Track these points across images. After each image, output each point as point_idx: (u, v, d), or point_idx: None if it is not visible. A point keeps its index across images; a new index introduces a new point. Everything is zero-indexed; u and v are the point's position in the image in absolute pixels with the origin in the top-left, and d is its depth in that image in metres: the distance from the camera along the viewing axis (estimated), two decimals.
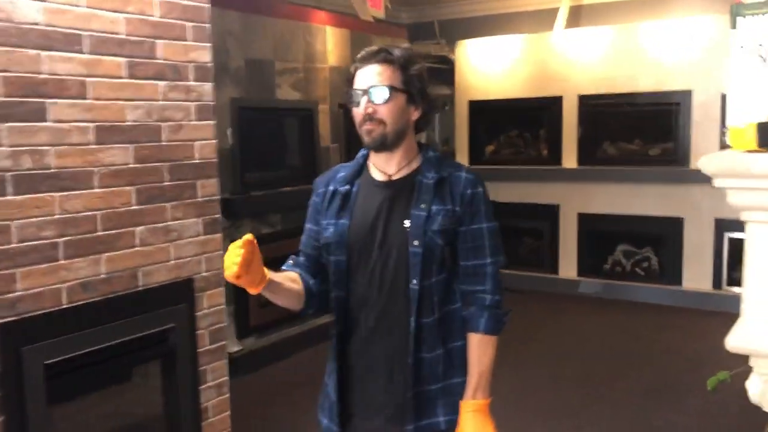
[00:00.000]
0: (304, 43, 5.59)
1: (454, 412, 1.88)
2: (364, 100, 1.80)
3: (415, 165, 1.90)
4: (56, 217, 2.47)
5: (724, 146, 1.63)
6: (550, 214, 7.03)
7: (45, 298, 2.45)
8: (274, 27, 5.37)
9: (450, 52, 7.45)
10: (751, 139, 1.54)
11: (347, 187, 1.91)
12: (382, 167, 1.90)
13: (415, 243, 1.81)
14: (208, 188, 3.02)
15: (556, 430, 3.95)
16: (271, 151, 5.47)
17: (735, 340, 1.64)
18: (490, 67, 7.22)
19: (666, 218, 6.40)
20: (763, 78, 1.71)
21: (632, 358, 5.10)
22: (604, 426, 3.99)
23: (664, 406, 4.22)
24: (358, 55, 1.87)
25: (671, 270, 6.52)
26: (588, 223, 6.88)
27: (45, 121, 2.43)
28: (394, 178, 1.89)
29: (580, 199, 6.88)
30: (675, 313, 6.17)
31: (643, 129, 6.65)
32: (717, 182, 1.58)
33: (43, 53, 2.42)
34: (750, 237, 1.61)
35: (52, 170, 2.46)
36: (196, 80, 2.94)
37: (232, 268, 1.65)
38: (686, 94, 6.19)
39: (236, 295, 5.00)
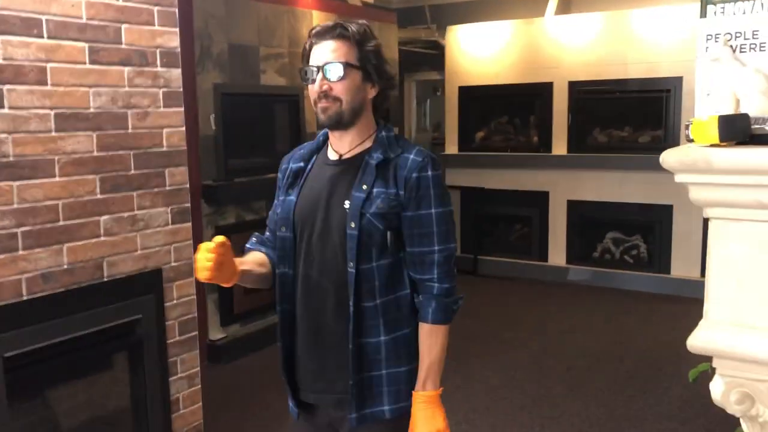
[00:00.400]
0: (289, 28, 5.49)
1: (399, 400, 1.83)
2: (319, 77, 1.74)
3: (368, 144, 1.83)
4: (14, 206, 2.40)
5: (688, 140, 1.55)
6: (539, 201, 6.96)
7: (3, 289, 2.39)
8: (258, 11, 5.26)
9: (440, 38, 7.34)
10: (714, 133, 1.46)
11: (301, 164, 1.89)
12: (336, 146, 1.85)
13: (352, 225, 1.75)
14: (177, 177, 2.95)
15: (538, 419, 3.90)
16: (255, 138, 5.38)
17: (697, 341, 1.57)
18: (480, 53, 7.11)
19: (655, 206, 6.32)
20: (731, 70, 1.63)
21: (617, 347, 5.05)
22: (585, 415, 3.94)
23: (647, 395, 4.17)
24: (313, 30, 1.79)
25: (660, 258, 6.45)
26: (578, 210, 6.81)
27: (2, 107, 2.36)
28: (345, 157, 1.83)
29: (570, 186, 6.80)
30: (663, 301, 6.11)
31: (634, 116, 6.56)
32: (678, 177, 1.51)
33: (0, 37, 2.34)
34: (713, 234, 1.54)
35: (10, 159, 2.39)
36: (163, 66, 2.86)
37: (204, 272, 1.66)
38: (677, 81, 6.09)
39: None
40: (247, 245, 1.97)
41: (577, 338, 5.26)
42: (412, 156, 1.79)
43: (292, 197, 1.86)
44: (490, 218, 7.30)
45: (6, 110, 2.37)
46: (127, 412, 2.86)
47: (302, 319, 1.85)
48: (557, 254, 6.95)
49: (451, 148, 7.38)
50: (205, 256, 1.65)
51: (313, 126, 5.71)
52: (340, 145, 1.83)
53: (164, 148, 2.89)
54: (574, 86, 6.64)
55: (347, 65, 1.73)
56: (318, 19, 5.74)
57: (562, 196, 6.85)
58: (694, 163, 1.47)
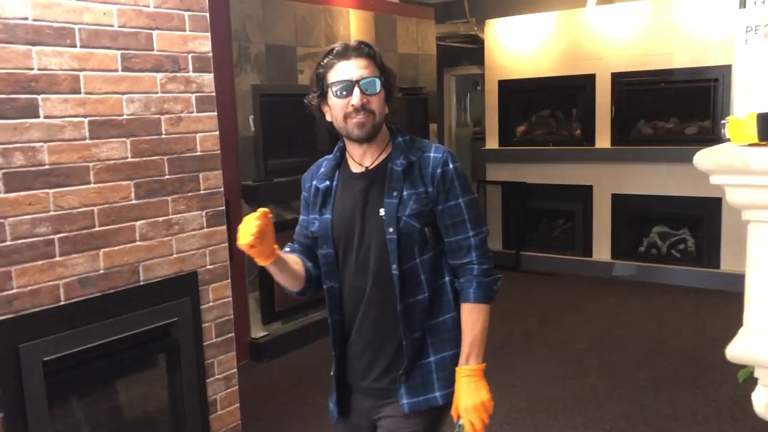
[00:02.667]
0: (326, 27, 5.47)
1: (449, 385, 1.90)
2: (356, 91, 1.78)
3: (387, 151, 1.90)
4: (51, 213, 2.43)
5: (724, 139, 1.46)
6: (583, 195, 6.82)
7: (42, 295, 2.42)
8: (295, 11, 5.26)
9: (479, 32, 7.24)
10: (752, 131, 1.38)
11: (326, 183, 1.93)
12: (360, 159, 1.90)
13: (390, 230, 1.83)
14: (212, 180, 2.95)
15: (581, 419, 3.81)
16: (294, 138, 5.38)
17: (737, 350, 1.48)
18: (520, 46, 6.99)
19: (703, 199, 6.11)
20: None
21: (664, 345, 4.91)
22: (629, 415, 3.83)
23: (695, 395, 4.04)
24: (334, 49, 1.83)
25: (709, 252, 6.25)
26: (622, 204, 6.64)
27: (37, 117, 2.39)
28: (370, 168, 1.90)
29: (614, 179, 6.64)
30: (712, 296, 5.92)
31: (680, 107, 6.36)
32: (714, 179, 1.43)
33: (34, 48, 2.37)
34: (752, 237, 1.45)
35: (46, 167, 2.42)
36: (195, 71, 2.86)
37: (247, 237, 1.68)
38: (725, 70, 5.87)
39: (261, 281, 4.97)
40: (284, 249, 1.99)
41: (622, 335, 5.13)
42: (432, 154, 1.88)
43: (327, 215, 1.90)
44: (532, 213, 7.18)
45: (41, 119, 2.40)
46: (165, 414, 2.89)
47: (352, 325, 1.94)
48: (602, 249, 6.80)
49: (492, 143, 7.28)
50: (250, 223, 1.69)
51: None
52: (365, 158, 1.90)
53: (198, 153, 2.89)
54: (617, 77, 6.48)
55: (381, 81, 1.82)
56: (355, 17, 5.71)
57: (606, 190, 6.70)
58: (731, 164, 1.39)
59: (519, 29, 6.98)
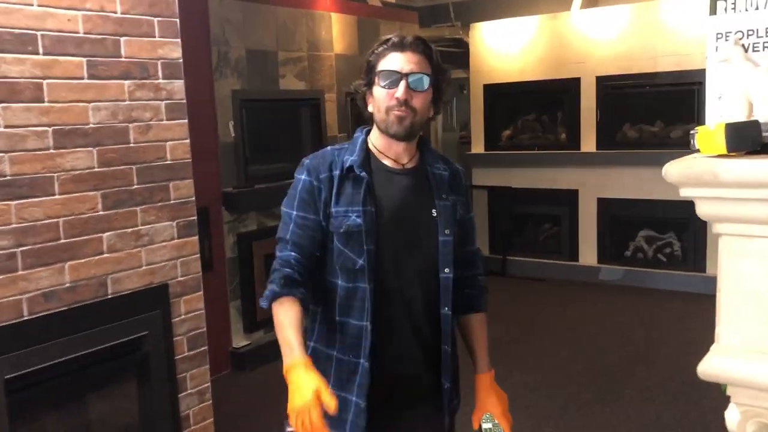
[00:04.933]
0: (308, 31, 5.41)
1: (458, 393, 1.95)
2: (402, 83, 1.70)
3: (418, 155, 1.84)
4: (13, 226, 2.36)
5: (693, 150, 1.42)
6: (569, 199, 6.77)
7: (3, 310, 2.35)
8: (276, 15, 5.19)
9: (464, 35, 7.19)
10: (721, 142, 1.33)
11: (364, 173, 1.75)
12: (396, 156, 1.80)
13: (446, 232, 1.79)
14: (183, 190, 2.89)
15: (566, 426, 3.76)
16: (276, 143, 5.32)
17: (709, 368, 1.44)
18: (505, 50, 6.95)
19: (690, 203, 6.04)
20: (743, 71, 1.49)
21: (651, 349, 4.86)
22: (615, 423, 3.78)
23: (681, 402, 3.99)
24: (392, 38, 1.75)
25: (695, 256, 6.22)
26: (608, 208, 6.60)
27: None
28: (408, 166, 1.82)
29: (600, 183, 6.61)
30: (698, 300, 5.87)
31: (665, 110, 6.33)
32: (683, 192, 1.38)
33: None
34: (723, 251, 1.41)
35: (7, 177, 2.35)
36: (165, 78, 2.80)
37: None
38: None
39: (242, 289, 4.90)
40: (277, 289, 1.68)
41: (609, 340, 5.09)
42: (458, 167, 1.92)
43: (371, 208, 1.73)
44: (518, 218, 7.13)
45: (1, 129, 2.33)
46: (136, 430, 2.81)
47: (385, 334, 1.76)
48: (588, 253, 6.76)
49: (478, 147, 7.23)
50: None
51: (335, 130, 5.63)
52: (402, 156, 1.81)
53: (168, 161, 2.83)
54: (602, 81, 6.44)
55: (431, 80, 1.74)
56: (337, 21, 5.65)
57: (592, 193, 6.66)
58: (699, 176, 1.34)
59: (504, 33, 6.93)
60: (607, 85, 6.43)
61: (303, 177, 1.76)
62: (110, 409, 2.80)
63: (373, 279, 1.72)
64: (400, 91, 1.69)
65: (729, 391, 1.45)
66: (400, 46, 1.72)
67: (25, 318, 2.40)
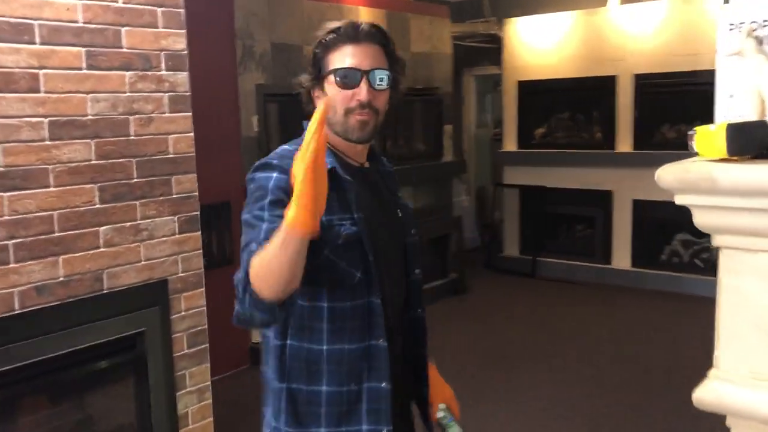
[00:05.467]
0: None
1: None
2: (363, 83, 1.50)
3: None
4: (5, 218, 2.31)
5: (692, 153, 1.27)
6: (603, 200, 6.56)
7: None
8: (302, 8, 5.11)
9: (499, 31, 7.01)
10: (721, 145, 1.18)
11: (347, 176, 1.54)
12: (355, 154, 1.61)
13: (413, 232, 1.70)
14: (185, 184, 2.81)
15: None
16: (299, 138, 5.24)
17: (706, 396, 1.29)
18: (540, 46, 6.75)
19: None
20: (756, 66, 1.33)
21: (685, 359, 4.64)
22: None
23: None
24: (341, 28, 1.52)
25: None
26: (643, 210, 6.36)
27: None
28: (365, 165, 1.65)
29: (636, 185, 6.36)
30: None
31: (705, 110, 6.00)
32: (679, 199, 1.24)
33: None
34: (723, 266, 1.26)
35: (0, 169, 2.29)
36: (168, 69, 2.72)
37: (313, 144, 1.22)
38: None
39: None
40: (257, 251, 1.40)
41: (642, 350, 4.88)
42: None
43: (361, 214, 1.52)
44: (550, 218, 6.94)
45: None
46: (132, 428, 2.75)
47: (393, 350, 1.59)
48: (621, 257, 6.54)
49: (510, 145, 7.05)
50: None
51: None
52: (361, 154, 1.63)
53: (170, 155, 2.75)
54: (640, 79, 6.22)
55: (391, 76, 1.54)
56: (366, 15, 5.54)
57: (627, 195, 6.43)
58: (696, 182, 1.20)
59: (539, 28, 6.74)
60: (646, 84, 6.20)
61: (275, 174, 1.46)
62: (107, 406, 2.74)
63: (378, 292, 1.53)
64: (363, 93, 1.49)
65: (729, 422, 1.30)
66: (354, 37, 1.51)
67: (17, 311, 2.35)
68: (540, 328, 5.38)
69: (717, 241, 1.25)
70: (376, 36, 1.53)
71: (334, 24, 1.54)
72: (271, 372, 1.57)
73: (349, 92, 1.50)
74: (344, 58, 1.51)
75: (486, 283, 6.70)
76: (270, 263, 1.28)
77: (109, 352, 2.62)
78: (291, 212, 1.23)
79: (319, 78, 1.54)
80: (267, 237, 1.35)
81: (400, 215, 1.67)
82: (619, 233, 6.54)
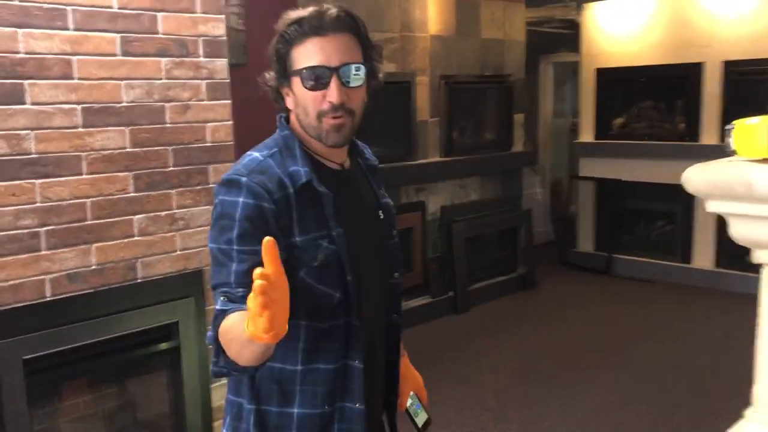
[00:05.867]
0: (401, 11, 5.15)
1: None
2: (333, 83, 1.35)
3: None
4: (37, 205, 2.30)
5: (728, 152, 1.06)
6: (685, 196, 6.01)
7: (25, 289, 2.29)
8: None
9: (577, 16, 6.68)
10: (764, 142, 0.98)
11: (323, 187, 1.41)
12: (332, 157, 1.47)
13: (393, 234, 1.58)
14: (223, 174, 2.73)
15: None
16: (362, 128, 5.12)
17: None
18: (621, 32, 6.39)
19: None
20: None
21: None
22: None
23: None
24: (304, 19, 1.36)
25: None
26: None
27: (23, 103, 2.25)
28: (345, 165, 1.51)
29: None
30: None
31: None
32: (710, 206, 1.04)
33: (20, 30, 2.23)
34: (765, 286, 1.05)
35: (33, 155, 2.28)
36: (206, 56, 2.65)
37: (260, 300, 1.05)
38: None
39: None
40: (224, 308, 1.28)
41: (718, 355, 4.54)
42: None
43: (341, 230, 1.40)
44: (628, 213, 6.58)
45: (28, 105, 2.26)
46: (165, 419, 2.72)
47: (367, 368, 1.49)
48: (704, 256, 6.12)
49: (587, 135, 6.72)
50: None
51: (425, 114, 5.36)
52: (339, 155, 1.49)
53: (208, 143, 2.69)
54: (729, 66, 5.77)
55: (366, 70, 1.40)
56: (434, 1, 5.35)
57: None
58: (730, 187, 1.00)
59: (620, 13, 6.37)
60: (736, 71, 5.75)
61: (242, 200, 1.32)
62: (142, 395, 2.72)
63: (355, 313, 1.42)
64: (334, 94, 1.35)
65: None
66: (320, 28, 1.35)
67: (48, 299, 2.34)
68: (611, 328, 5.10)
69: (758, 256, 1.04)
70: (344, 24, 1.37)
71: (296, 13, 1.38)
72: (238, 391, 1.46)
73: (319, 93, 1.36)
74: (310, 54, 1.36)
75: (558, 280, 6.44)
76: (239, 349, 1.21)
77: (142, 342, 2.59)
78: (249, 328, 1.09)
79: (284, 76, 1.41)
80: (237, 282, 1.29)
81: (381, 217, 1.54)
82: (701, 231, 6.12)
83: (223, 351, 1.24)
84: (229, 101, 2.74)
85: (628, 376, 4.24)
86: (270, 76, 1.44)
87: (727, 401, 3.87)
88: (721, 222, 5.93)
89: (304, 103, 1.38)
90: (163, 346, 2.63)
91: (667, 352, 4.62)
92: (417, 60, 5.27)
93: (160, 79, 2.54)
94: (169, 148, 2.59)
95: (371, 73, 1.43)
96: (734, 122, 1.05)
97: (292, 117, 1.45)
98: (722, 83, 5.84)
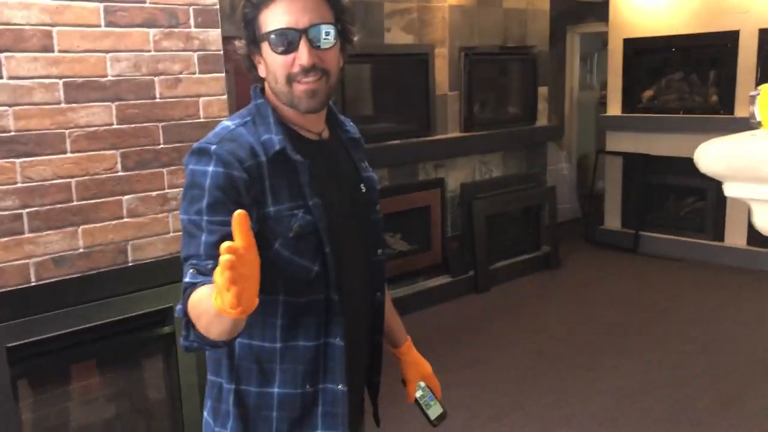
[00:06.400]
0: None
1: None
2: (303, 44, 1.29)
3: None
4: (18, 185, 2.18)
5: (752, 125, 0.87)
6: None
7: (8, 274, 2.18)
8: None
9: None
10: None
11: (299, 156, 1.34)
12: (309, 125, 1.40)
13: (377, 208, 1.50)
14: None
15: None
16: (377, 103, 4.95)
17: None
18: (650, 0, 6.07)
19: None
20: None
21: None
22: None
23: None
24: None
25: None
26: None
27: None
28: (323, 135, 1.44)
29: None
30: None
31: None
32: (728, 189, 0.86)
33: None
34: None
35: (11, 133, 2.15)
36: (198, 26, 2.49)
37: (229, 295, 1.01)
38: None
39: None
40: (194, 280, 1.22)
41: (746, 341, 4.31)
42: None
43: (317, 200, 1.33)
44: (656, 189, 6.31)
45: (5, 80, 2.13)
46: (161, 406, 2.61)
47: (351, 347, 1.41)
48: (736, 234, 5.85)
49: (614, 108, 6.44)
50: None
51: (445, 87, 5.15)
52: (316, 124, 1.42)
53: (201, 119, 2.54)
54: (766, 34, 5.44)
55: (337, 28, 1.34)
56: None
57: None
58: (754, 167, 0.81)
59: None
60: None
61: (211, 168, 1.27)
62: (134, 382, 2.61)
63: (335, 288, 1.36)
64: (303, 56, 1.29)
65: None
66: None
67: (33, 284, 2.22)
68: (637, 309, 4.88)
69: None
70: None
71: None
72: (217, 371, 1.42)
73: (289, 57, 1.30)
74: (277, 16, 1.30)
75: (583, 258, 6.21)
76: (208, 324, 1.14)
77: (135, 328, 2.47)
78: (217, 302, 1.03)
79: (253, 42, 1.34)
80: (207, 254, 1.23)
81: (363, 190, 1.46)
82: (734, 208, 5.83)
83: (193, 325, 1.19)
84: (223, 74, 2.58)
85: (652, 360, 4.04)
86: (240, 44, 1.38)
87: (756, 385, 3.66)
88: None
89: (274, 68, 1.33)
90: (157, 332, 2.50)
91: (695, 335, 4.40)
92: (435, 31, 5.05)
93: (149, 51, 2.39)
94: (159, 124, 2.44)
95: (344, 35, 1.37)
96: (760, 87, 0.86)
97: (266, 86, 1.39)
98: (758, 53, 5.52)
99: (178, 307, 1.23)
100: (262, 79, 1.38)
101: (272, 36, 1.30)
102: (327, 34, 1.31)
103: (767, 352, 4.09)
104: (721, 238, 5.93)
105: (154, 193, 2.45)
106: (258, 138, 1.33)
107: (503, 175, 5.71)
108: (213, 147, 1.29)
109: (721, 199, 5.89)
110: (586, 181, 7.36)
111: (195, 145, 1.34)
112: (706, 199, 6.03)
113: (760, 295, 5.11)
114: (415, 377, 1.65)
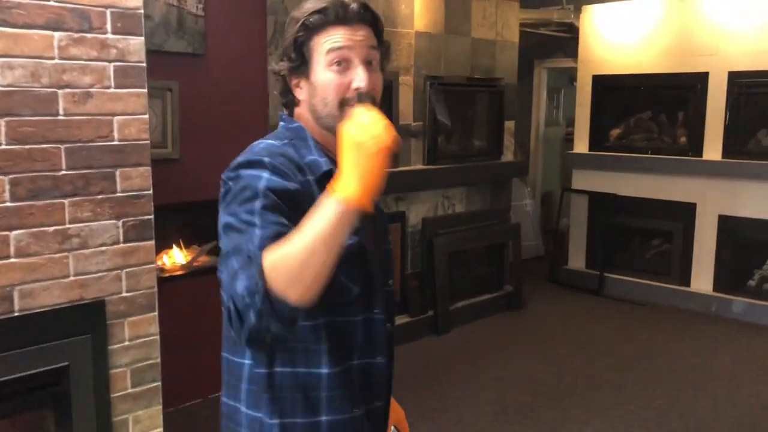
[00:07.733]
0: (384, 4, 4.54)
1: None
2: (361, 70, 1.27)
3: None
4: None
5: None
6: (684, 214, 5.56)
7: None
8: None
9: (576, 19, 6.09)
10: None
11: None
12: (334, 148, 1.28)
13: (389, 239, 1.50)
14: (135, 180, 2.13)
15: None
16: None
17: None
18: (621, 37, 5.79)
19: None
20: None
21: (759, 411, 3.70)
22: None
23: None
24: (328, 9, 1.27)
25: None
26: (731, 227, 5.35)
27: None
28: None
29: (723, 198, 5.35)
30: None
31: None
32: None
33: None
34: None
35: None
36: (116, 32, 2.04)
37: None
38: None
39: None
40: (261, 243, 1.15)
41: (717, 392, 3.94)
42: None
43: (359, 223, 1.18)
44: (622, 231, 5.98)
45: None
46: None
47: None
48: (702, 279, 5.53)
49: (581, 146, 6.13)
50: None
51: (408, 117, 4.76)
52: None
53: (115, 142, 2.08)
54: (735, 78, 5.19)
55: (380, 54, 1.35)
56: None
57: (713, 209, 5.42)
58: None
59: (620, 18, 5.78)
60: (742, 83, 5.17)
61: (267, 175, 1.18)
62: None
63: (378, 305, 1.35)
64: (363, 79, 1.25)
65: None
66: (344, 18, 1.27)
67: None
68: (601, 356, 4.50)
69: None
70: (366, 17, 1.31)
71: (315, 3, 1.30)
72: (252, 407, 1.30)
73: (346, 80, 1.27)
74: (335, 41, 1.27)
75: (546, 299, 5.83)
76: (312, 251, 1.06)
77: (21, 390, 1.97)
78: (350, 187, 1.06)
79: (302, 65, 1.30)
80: (263, 245, 1.11)
81: (378, 219, 1.41)
82: (700, 252, 5.54)
83: (271, 297, 1.05)
84: (145, 90, 2.12)
85: (623, 415, 3.64)
86: (283, 64, 1.33)
87: None
88: (721, 244, 5.36)
89: (324, 91, 1.29)
90: (46, 396, 2.01)
91: (666, 388, 4.01)
92: (400, 58, 4.67)
93: (52, 58, 1.93)
94: (62, 146, 1.98)
95: (383, 61, 1.37)
96: None
97: (298, 111, 1.35)
98: (727, 95, 5.26)
99: (240, 285, 1.06)
100: (293, 105, 1.35)
101: (331, 54, 1.26)
102: (377, 63, 1.31)
103: (743, 408, 3.72)
104: (687, 283, 5.61)
105: (50, 229, 1.98)
106: (302, 159, 1.29)
107: (466, 210, 5.33)
108: (266, 159, 1.22)
109: (688, 242, 5.59)
110: (551, 218, 7.03)
111: (240, 158, 1.24)
112: (673, 242, 5.72)
113: (731, 346, 4.77)
114: (389, 421, 1.56)
